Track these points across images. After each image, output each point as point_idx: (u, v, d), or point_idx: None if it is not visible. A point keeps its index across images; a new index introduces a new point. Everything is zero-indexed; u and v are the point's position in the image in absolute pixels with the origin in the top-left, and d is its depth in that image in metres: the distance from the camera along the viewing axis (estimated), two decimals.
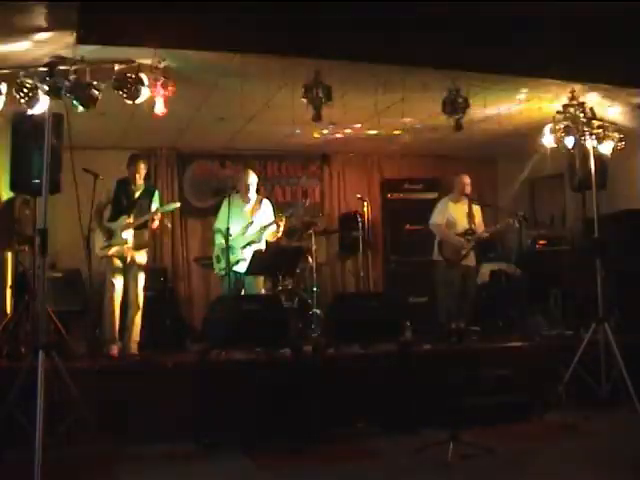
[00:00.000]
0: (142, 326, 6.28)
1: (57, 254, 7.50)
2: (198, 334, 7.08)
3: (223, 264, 6.61)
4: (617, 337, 5.81)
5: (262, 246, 6.73)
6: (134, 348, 6.15)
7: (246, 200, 6.61)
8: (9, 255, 6.55)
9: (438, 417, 5.11)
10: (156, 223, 6.29)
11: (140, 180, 6.37)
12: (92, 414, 4.45)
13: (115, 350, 6.06)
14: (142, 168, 6.37)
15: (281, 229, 6.72)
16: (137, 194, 6.34)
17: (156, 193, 6.58)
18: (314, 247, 8.08)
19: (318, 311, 7.51)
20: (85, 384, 4.71)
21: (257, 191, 6.84)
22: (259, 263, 6.75)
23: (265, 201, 6.89)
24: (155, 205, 6.40)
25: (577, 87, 6.29)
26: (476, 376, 5.85)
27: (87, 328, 6.41)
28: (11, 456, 4.37)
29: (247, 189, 6.64)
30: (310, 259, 8.01)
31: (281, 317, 5.68)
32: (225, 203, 6.80)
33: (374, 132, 8.03)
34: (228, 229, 6.40)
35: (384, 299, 6.24)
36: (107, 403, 4.97)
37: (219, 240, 6.67)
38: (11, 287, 6.52)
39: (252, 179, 6.70)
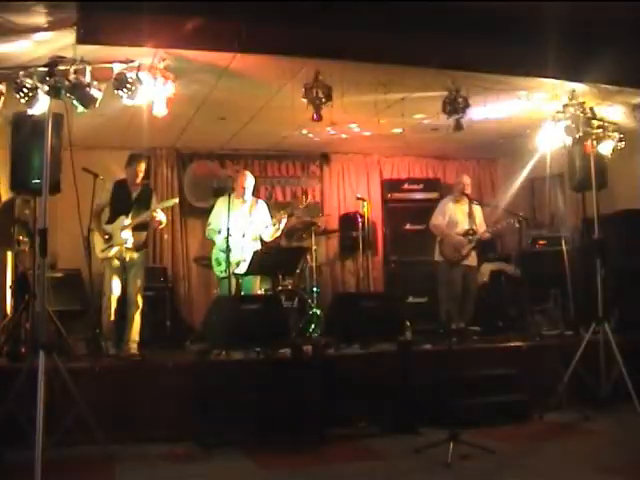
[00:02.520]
0: (142, 326, 6.28)
1: (57, 254, 7.50)
2: (198, 334, 7.07)
3: (223, 266, 6.62)
4: (617, 337, 5.82)
5: (258, 246, 6.75)
6: (134, 348, 6.15)
7: (243, 201, 6.60)
8: (9, 255, 6.56)
9: (438, 417, 5.11)
10: (162, 220, 6.31)
11: (139, 180, 6.36)
12: (92, 414, 4.46)
13: (115, 350, 6.08)
14: (142, 168, 6.37)
15: (281, 227, 6.73)
16: (135, 195, 6.34)
17: (153, 194, 6.59)
18: (314, 247, 8.07)
19: (318, 311, 7.51)
20: (85, 384, 4.72)
21: (253, 192, 6.84)
22: (259, 263, 6.76)
23: (260, 202, 6.89)
24: (153, 204, 6.40)
25: (577, 87, 6.29)
26: (476, 376, 5.85)
27: (87, 328, 6.41)
28: (11, 456, 4.36)
29: (244, 190, 6.63)
30: (310, 259, 8.00)
31: (281, 317, 5.68)
32: (219, 204, 6.83)
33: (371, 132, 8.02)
34: (228, 229, 6.40)
35: (384, 299, 6.23)
36: (107, 403, 4.97)
37: (219, 242, 6.67)
38: (11, 287, 6.53)
39: (249, 181, 6.70)
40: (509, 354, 6.33)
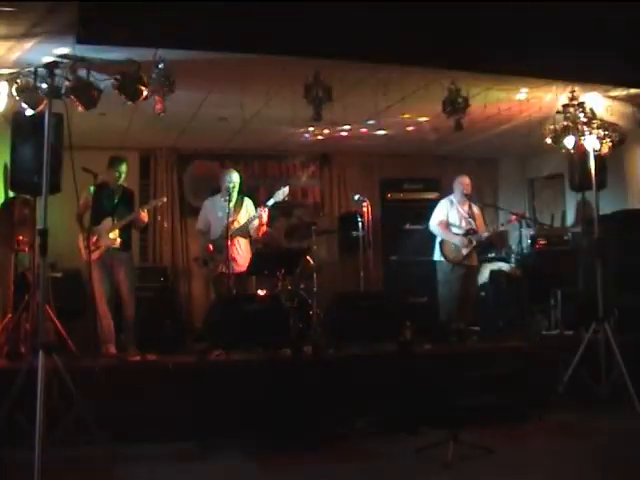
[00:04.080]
0: (142, 326, 6.33)
1: (57, 254, 7.49)
2: (198, 334, 7.08)
3: (211, 266, 6.68)
4: (617, 337, 5.82)
5: (246, 242, 6.74)
6: (131, 346, 6.21)
7: (227, 199, 6.57)
8: (9, 255, 6.55)
9: (438, 417, 5.11)
10: (145, 219, 6.42)
11: (121, 182, 6.45)
12: (92, 414, 4.46)
13: (114, 349, 6.14)
14: (124, 169, 6.46)
15: (264, 219, 6.71)
16: (117, 197, 6.42)
17: (134, 195, 6.71)
18: (314, 247, 8.07)
19: (318, 311, 7.50)
20: (85, 384, 4.72)
21: (239, 191, 6.83)
22: (260, 263, 6.76)
23: (246, 199, 6.90)
24: (136, 205, 6.51)
25: (577, 87, 6.28)
26: (476, 376, 5.85)
27: (87, 328, 6.42)
28: (11, 456, 4.36)
29: (229, 188, 6.62)
30: (310, 259, 8.00)
31: (281, 317, 5.68)
32: (205, 205, 6.84)
33: (382, 132, 8.03)
34: (228, 229, 6.41)
35: (384, 299, 6.24)
36: (107, 403, 4.97)
37: (205, 243, 6.70)
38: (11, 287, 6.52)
39: (235, 178, 6.70)
40: (509, 354, 6.33)
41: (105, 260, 6.27)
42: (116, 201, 6.40)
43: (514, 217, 7.30)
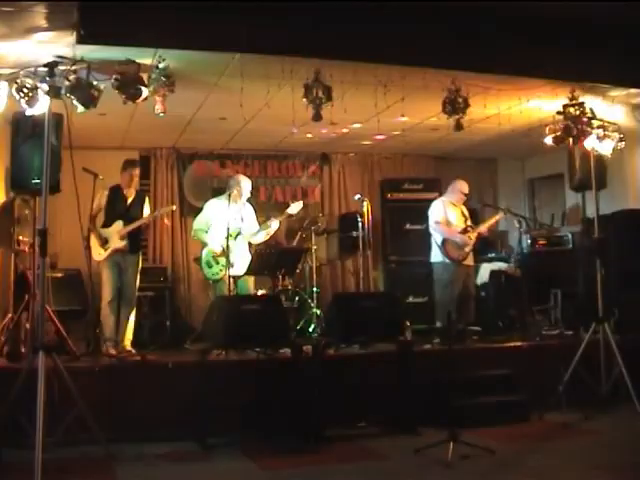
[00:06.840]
0: (142, 326, 6.37)
1: (57, 254, 7.50)
2: (198, 334, 7.09)
3: (215, 269, 6.69)
4: (617, 337, 5.82)
5: (246, 248, 6.79)
6: (128, 345, 6.29)
7: (233, 204, 6.60)
8: (9, 255, 6.55)
9: (438, 417, 5.11)
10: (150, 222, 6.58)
11: (134, 185, 6.53)
12: (92, 414, 4.46)
13: (114, 349, 6.14)
14: (137, 173, 6.57)
15: (271, 232, 6.86)
16: (130, 200, 6.48)
17: (147, 198, 6.76)
18: (314, 247, 8.07)
19: (318, 311, 7.51)
20: (85, 384, 4.72)
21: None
22: (260, 263, 6.77)
23: (247, 204, 6.93)
24: (147, 209, 6.57)
25: (577, 87, 6.28)
26: (476, 376, 5.85)
27: (87, 328, 6.43)
28: (11, 456, 4.36)
29: (240, 194, 6.66)
30: (310, 259, 8.01)
31: (281, 317, 5.67)
32: (210, 206, 6.86)
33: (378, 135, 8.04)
34: (228, 229, 6.42)
35: (384, 299, 6.23)
36: (107, 403, 4.97)
37: (210, 245, 6.71)
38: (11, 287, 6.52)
39: (247, 186, 6.74)
40: (509, 354, 6.33)
41: (115, 261, 6.33)
42: (128, 205, 6.46)
43: (503, 211, 7.36)
